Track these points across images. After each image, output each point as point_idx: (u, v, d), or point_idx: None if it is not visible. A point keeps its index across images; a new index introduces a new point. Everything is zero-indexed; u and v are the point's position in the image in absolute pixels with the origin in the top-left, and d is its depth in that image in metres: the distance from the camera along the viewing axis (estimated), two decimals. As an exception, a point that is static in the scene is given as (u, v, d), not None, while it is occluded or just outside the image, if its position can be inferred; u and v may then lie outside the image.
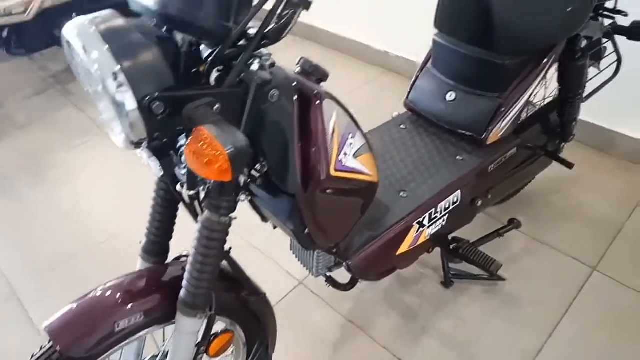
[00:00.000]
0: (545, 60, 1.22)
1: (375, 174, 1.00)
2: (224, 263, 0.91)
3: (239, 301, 0.98)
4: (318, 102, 0.82)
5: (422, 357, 1.42)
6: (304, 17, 0.72)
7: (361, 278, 1.10)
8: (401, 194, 1.17)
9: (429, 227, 1.16)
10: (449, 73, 1.29)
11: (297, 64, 0.87)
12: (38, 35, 2.58)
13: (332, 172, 0.86)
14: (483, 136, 1.24)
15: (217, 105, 0.68)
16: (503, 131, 1.26)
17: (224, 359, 1.11)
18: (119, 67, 0.61)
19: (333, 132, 0.85)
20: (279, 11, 0.69)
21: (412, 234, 1.12)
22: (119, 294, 0.84)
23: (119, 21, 0.66)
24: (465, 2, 1.09)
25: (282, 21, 0.70)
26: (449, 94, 1.29)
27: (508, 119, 1.23)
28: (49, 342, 0.81)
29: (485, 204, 1.43)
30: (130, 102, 0.62)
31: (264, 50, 0.80)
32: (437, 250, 1.43)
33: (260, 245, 1.76)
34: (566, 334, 1.45)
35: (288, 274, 1.67)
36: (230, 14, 0.66)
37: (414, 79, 1.38)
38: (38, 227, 1.96)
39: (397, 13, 2.56)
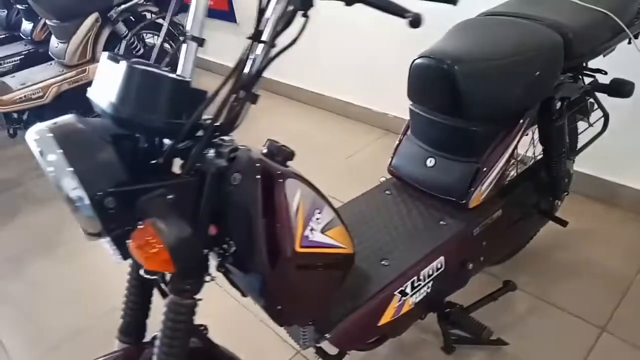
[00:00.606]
0: (519, 125, 1.25)
1: (350, 245, 1.02)
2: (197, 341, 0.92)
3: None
4: (281, 181, 0.86)
5: None
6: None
7: (344, 350, 1.09)
8: (383, 262, 1.17)
9: (412, 295, 1.15)
10: (426, 140, 1.33)
11: (264, 145, 0.92)
12: (55, 116, 2.74)
13: (298, 249, 0.88)
14: (464, 201, 1.25)
15: (170, 196, 0.72)
16: (485, 194, 1.27)
17: None
18: (71, 169, 0.67)
19: (297, 209, 0.88)
20: (228, 105, 0.75)
21: (394, 303, 1.11)
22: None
23: (76, 125, 0.72)
24: (431, 73, 1.13)
25: (233, 113, 0.76)
26: (428, 160, 1.32)
27: (488, 182, 1.24)
28: None
29: (478, 266, 1.41)
30: (82, 200, 0.67)
31: (226, 138, 0.86)
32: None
33: (258, 312, 1.75)
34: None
35: (285, 342, 1.65)
36: (182, 112, 0.72)
37: (395, 145, 1.41)
38: (44, 305, 2.00)
39: (391, 77, 2.65)
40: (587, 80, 1.53)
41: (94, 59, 2.82)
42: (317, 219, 0.92)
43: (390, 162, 1.42)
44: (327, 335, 1.04)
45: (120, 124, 0.72)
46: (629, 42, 1.34)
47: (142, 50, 2.99)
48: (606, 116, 1.60)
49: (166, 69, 0.80)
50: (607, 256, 1.84)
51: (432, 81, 1.14)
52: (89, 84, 2.70)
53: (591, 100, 1.57)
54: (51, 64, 2.80)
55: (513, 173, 1.57)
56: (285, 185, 0.87)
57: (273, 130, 3.00)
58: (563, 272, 1.79)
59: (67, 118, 0.75)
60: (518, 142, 1.27)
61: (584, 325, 1.59)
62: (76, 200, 0.67)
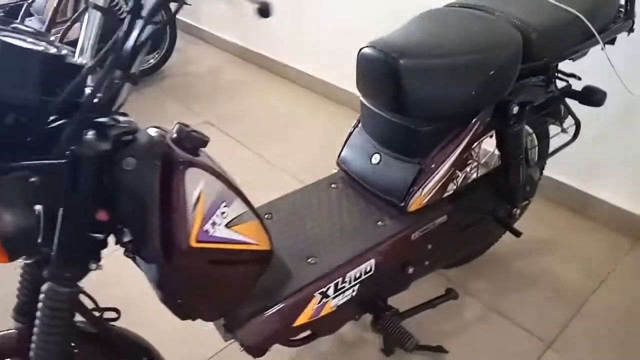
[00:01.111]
0: (469, 127, 1.17)
1: (265, 241, 0.96)
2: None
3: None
4: (181, 169, 0.80)
5: None
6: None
7: (253, 348, 1.04)
8: (309, 260, 1.12)
9: (334, 297, 1.10)
10: (373, 135, 1.26)
11: (172, 129, 0.86)
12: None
13: (193, 243, 0.82)
14: (403, 203, 1.19)
15: (33, 179, 0.67)
16: (428, 198, 1.20)
17: None
18: None
19: (197, 201, 0.82)
20: (105, 84, 0.69)
21: (312, 304, 1.06)
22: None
23: None
24: (375, 65, 1.06)
25: (111, 93, 0.70)
26: (374, 156, 1.25)
27: (430, 185, 1.18)
28: None
29: (422, 270, 1.36)
30: None
31: (122, 119, 0.80)
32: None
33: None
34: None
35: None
36: (55, 89, 0.66)
37: (345, 138, 1.35)
38: None
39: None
40: (563, 84, 1.46)
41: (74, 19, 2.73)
42: (223, 212, 0.86)
43: (339, 154, 1.36)
44: (236, 333, 0.99)
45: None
46: (602, 48, 1.26)
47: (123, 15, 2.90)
48: (577, 124, 1.53)
49: (50, 38, 0.74)
50: (568, 269, 1.78)
51: (375, 74, 1.07)
52: (69, 43, 2.61)
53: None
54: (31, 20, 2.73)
55: (474, 176, 1.50)
56: (185, 174, 0.81)
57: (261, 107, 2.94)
58: (520, 283, 1.74)
59: None
60: (469, 145, 1.20)
61: (531, 339, 1.55)
62: None
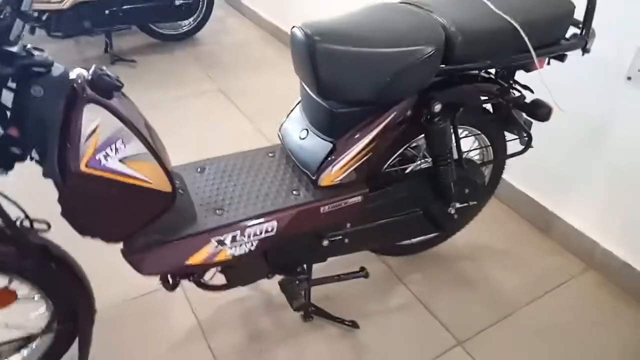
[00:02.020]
0: (384, 115, 1.24)
1: (162, 182, 1.10)
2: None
3: (18, 262, 1.11)
4: (80, 104, 0.95)
5: (244, 377, 1.46)
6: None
7: (144, 273, 1.18)
8: (217, 211, 1.24)
9: (230, 248, 1.22)
10: (305, 112, 1.35)
11: (90, 70, 1.00)
12: (72, 23, 2.94)
13: (83, 168, 0.97)
14: (315, 177, 1.28)
15: None
16: (340, 177, 1.29)
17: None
18: None
19: (92, 133, 0.97)
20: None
21: (207, 249, 1.19)
22: None
23: None
24: (299, 44, 1.14)
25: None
26: (302, 131, 1.35)
27: (341, 164, 1.26)
28: None
29: (340, 247, 1.45)
30: None
31: (37, 53, 0.95)
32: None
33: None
34: (391, 397, 1.42)
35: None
36: None
37: (288, 112, 1.45)
38: None
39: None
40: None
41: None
42: (117, 148, 1.00)
43: (280, 126, 1.46)
44: (130, 257, 1.14)
45: None
46: (536, 62, 1.28)
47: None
48: (529, 136, 1.54)
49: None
50: (508, 280, 1.80)
51: (299, 54, 1.16)
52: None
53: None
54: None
55: (412, 168, 1.55)
56: (84, 109, 0.95)
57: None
58: (456, 282, 1.78)
59: None
60: (383, 132, 1.26)
61: (444, 333, 1.60)
62: None
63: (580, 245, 1.87)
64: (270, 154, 1.46)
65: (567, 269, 1.86)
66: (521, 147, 1.58)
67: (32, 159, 1.03)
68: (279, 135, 1.47)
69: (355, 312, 1.64)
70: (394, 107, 1.25)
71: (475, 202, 1.62)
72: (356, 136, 1.26)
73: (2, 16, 0.84)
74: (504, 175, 2.07)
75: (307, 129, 1.34)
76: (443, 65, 1.22)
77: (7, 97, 0.94)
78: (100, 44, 3.30)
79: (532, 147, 1.60)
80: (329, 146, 1.26)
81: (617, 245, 1.76)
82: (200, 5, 3.43)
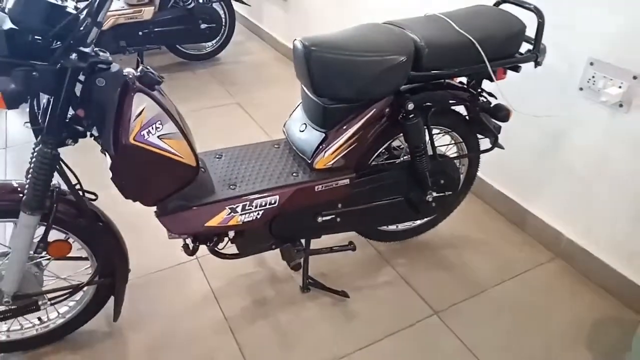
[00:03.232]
0: (367, 111, 1.55)
1: (190, 158, 1.40)
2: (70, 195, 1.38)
3: (75, 221, 1.42)
4: (132, 93, 1.27)
5: (250, 334, 1.72)
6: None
7: (172, 232, 1.48)
8: (230, 187, 1.54)
9: (241, 215, 1.51)
10: (305, 110, 1.66)
11: (138, 69, 1.33)
12: (110, 42, 3.33)
13: (132, 141, 1.28)
14: (310, 161, 1.58)
15: (35, 73, 1.15)
16: (332, 161, 1.58)
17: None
18: None
19: (139, 114, 1.28)
20: (82, 25, 1.16)
21: (222, 215, 1.49)
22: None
23: None
24: (298, 52, 1.46)
25: (82, 28, 1.17)
26: (302, 125, 1.66)
27: (331, 150, 1.56)
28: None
29: (333, 225, 1.73)
30: None
31: (102, 54, 1.27)
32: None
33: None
34: (377, 352, 1.67)
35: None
36: (56, 23, 1.14)
37: (290, 112, 1.76)
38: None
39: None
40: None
41: (151, 3, 3.37)
42: (157, 127, 1.32)
43: (285, 123, 1.77)
44: (161, 218, 1.44)
45: (12, 21, 1.15)
46: (490, 71, 1.57)
47: (192, 4, 3.51)
48: (495, 137, 1.82)
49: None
50: (482, 264, 2.05)
51: (299, 60, 1.47)
52: (142, 22, 3.40)
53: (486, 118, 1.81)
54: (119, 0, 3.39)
55: (399, 160, 1.83)
56: (133, 96, 1.27)
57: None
58: (436, 266, 2.04)
59: None
60: (366, 124, 1.56)
61: (423, 305, 1.86)
62: None
63: (548, 237, 2.12)
64: (276, 146, 1.77)
65: (536, 257, 2.10)
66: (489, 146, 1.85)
67: (91, 135, 1.35)
68: (283, 131, 1.77)
69: (346, 286, 1.90)
70: (374, 104, 1.55)
71: (450, 193, 1.89)
72: (344, 127, 1.56)
73: (83, 25, 1.17)
74: (483, 176, 2.35)
75: (305, 123, 1.65)
76: (413, 72, 1.52)
77: (77, 87, 1.26)
78: (132, 61, 3.70)
79: (503, 148, 1.88)
80: (322, 136, 1.57)
81: (579, 235, 2.01)
82: (222, 30, 3.82)
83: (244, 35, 4.54)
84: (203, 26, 3.59)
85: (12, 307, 1.45)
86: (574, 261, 2.03)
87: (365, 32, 1.54)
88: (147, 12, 3.35)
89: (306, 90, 1.60)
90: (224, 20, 3.80)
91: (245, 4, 3.99)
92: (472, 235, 2.22)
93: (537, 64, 1.68)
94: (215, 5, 3.73)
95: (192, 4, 3.52)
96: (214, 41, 3.89)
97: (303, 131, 1.65)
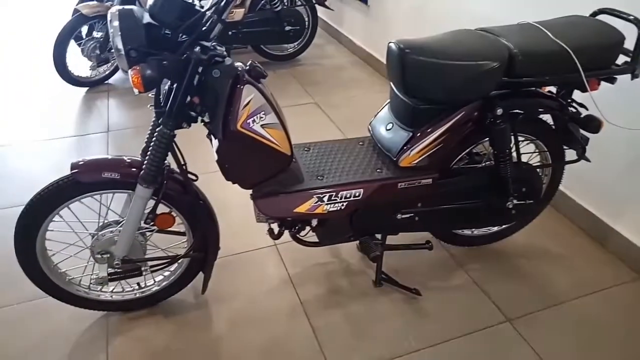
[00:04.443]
0: (455, 113, 1.59)
1: (286, 147, 1.52)
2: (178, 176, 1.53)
3: (180, 197, 1.57)
4: (241, 85, 1.40)
5: (324, 319, 1.81)
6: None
7: (264, 214, 1.59)
8: (319, 177, 1.64)
9: (327, 204, 1.60)
10: (392, 109, 1.73)
11: (247, 63, 1.46)
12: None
13: (239, 127, 1.41)
14: (396, 158, 1.65)
15: (165, 62, 1.30)
16: (418, 160, 1.64)
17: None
18: (119, 33, 1.27)
19: (247, 104, 1.41)
20: (209, 22, 1.30)
21: (310, 202, 1.58)
22: (116, 162, 1.50)
23: (132, 11, 1.31)
24: (393, 56, 1.53)
25: (208, 25, 1.31)
26: (388, 124, 1.72)
27: (418, 149, 1.61)
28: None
29: (412, 223, 1.78)
30: (120, 50, 1.28)
31: (219, 47, 1.41)
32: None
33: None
34: (447, 352, 1.70)
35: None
36: (186, 20, 1.28)
37: (377, 111, 1.84)
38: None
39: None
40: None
41: (242, 5, 3.58)
42: (261, 117, 1.44)
43: (370, 122, 1.85)
44: (256, 200, 1.56)
45: (151, 17, 1.31)
46: (585, 80, 1.56)
47: (279, 7, 3.68)
48: (583, 148, 1.80)
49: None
50: (560, 277, 2.02)
51: (393, 62, 1.54)
52: (233, 23, 3.65)
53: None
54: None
55: (482, 164, 1.85)
56: (243, 88, 1.40)
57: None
58: (512, 274, 2.03)
59: (130, 6, 1.36)
60: (454, 127, 1.60)
61: (495, 311, 1.86)
62: (119, 49, 1.28)
63: (633, 256, 2.05)
64: (361, 143, 1.85)
65: (619, 275, 2.04)
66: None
67: (202, 121, 1.49)
68: (368, 129, 1.85)
69: (418, 284, 1.94)
70: (463, 107, 1.59)
71: (532, 201, 1.89)
72: (431, 128, 1.61)
73: (208, 22, 1.32)
74: (565, 190, 2.30)
75: (392, 122, 1.72)
76: (505, 78, 1.55)
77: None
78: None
79: (589, 160, 1.85)
80: (409, 135, 1.63)
81: (668, 257, 1.93)
82: (305, 32, 3.98)
83: (324, 39, 4.68)
84: (287, 28, 3.76)
85: (120, 270, 1.63)
86: (659, 283, 1.96)
87: (459, 38, 1.59)
88: (238, 14, 3.56)
89: (396, 91, 1.67)
90: (307, 23, 3.95)
91: (329, 8, 4.12)
92: (550, 248, 2.18)
93: (635, 76, 1.65)
94: (300, 9, 3.89)
95: (279, 7, 3.69)
96: (296, 43, 4.05)
97: (390, 130, 1.72)
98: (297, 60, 4.15)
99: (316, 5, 3.94)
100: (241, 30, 3.60)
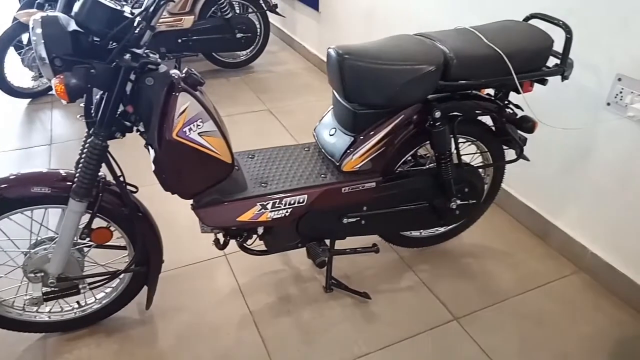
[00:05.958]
0: (395, 117, 1.61)
1: (226, 155, 1.49)
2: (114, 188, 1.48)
3: (118, 210, 1.52)
4: (176, 93, 1.37)
5: (274, 328, 1.79)
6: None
7: (206, 224, 1.56)
8: (262, 184, 1.62)
9: (270, 211, 1.59)
10: (335, 115, 1.73)
11: (183, 70, 1.43)
12: (151, 48, 3.48)
13: (174, 136, 1.38)
14: (339, 163, 1.65)
15: (92, 71, 1.26)
16: (360, 164, 1.65)
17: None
18: (43, 41, 1.22)
19: (182, 112, 1.38)
20: (137, 29, 1.26)
21: (253, 210, 1.56)
22: (46, 176, 1.44)
23: (56, 18, 1.26)
24: (332, 61, 1.54)
25: (136, 31, 1.27)
26: (331, 130, 1.73)
27: (360, 153, 1.62)
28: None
29: (358, 227, 1.79)
30: (44, 58, 1.22)
31: (152, 56, 1.38)
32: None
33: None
34: (396, 353, 1.71)
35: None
36: (113, 26, 1.25)
37: (320, 118, 1.84)
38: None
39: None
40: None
41: (191, 12, 3.53)
42: (198, 125, 1.41)
43: (315, 127, 1.85)
44: (197, 211, 1.53)
45: (77, 24, 1.26)
46: (516, 82, 1.61)
47: (230, 14, 3.65)
48: (521, 148, 1.86)
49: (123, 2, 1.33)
50: (504, 274, 2.07)
51: (332, 67, 1.55)
52: (182, 30, 3.58)
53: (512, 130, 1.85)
54: (160, 8, 3.56)
55: (426, 166, 1.88)
56: (178, 95, 1.37)
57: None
58: (459, 274, 2.07)
59: (54, 13, 1.31)
60: (393, 130, 1.62)
61: (443, 310, 1.89)
62: (43, 58, 1.23)
63: (572, 250, 2.12)
64: (306, 149, 1.85)
65: (560, 270, 2.11)
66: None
67: (137, 130, 1.45)
68: (313, 135, 1.85)
69: (368, 288, 1.95)
70: (402, 111, 1.61)
71: (474, 201, 1.93)
72: (372, 132, 1.62)
73: (138, 28, 1.28)
74: (508, 188, 2.37)
75: (335, 128, 1.72)
76: (442, 82, 1.58)
77: (127, 85, 1.37)
78: (170, 67, 3.85)
79: (528, 159, 1.91)
80: (350, 139, 1.64)
81: (604, 250, 2.01)
82: (257, 39, 3.96)
83: (277, 45, 4.67)
84: (239, 35, 3.73)
85: (56, 288, 1.56)
86: (598, 275, 2.03)
87: (396, 42, 1.62)
88: (187, 21, 3.51)
89: (337, 96, 1.68)
90: (259, 30, 3.94)
91: (280, 15, 4.12)
92: (495, 246, 2.24)
93: (564, 77, 1.71)
94: (251, 16, 3.87)
95: (230, 14, 3.66)
96: (248, 50, 4.02)
97: (333, 135, 1.72)
98: (250, 67, 4.13)
99: (268, 12, 3.93)
100: (191, 37, 3.54)
